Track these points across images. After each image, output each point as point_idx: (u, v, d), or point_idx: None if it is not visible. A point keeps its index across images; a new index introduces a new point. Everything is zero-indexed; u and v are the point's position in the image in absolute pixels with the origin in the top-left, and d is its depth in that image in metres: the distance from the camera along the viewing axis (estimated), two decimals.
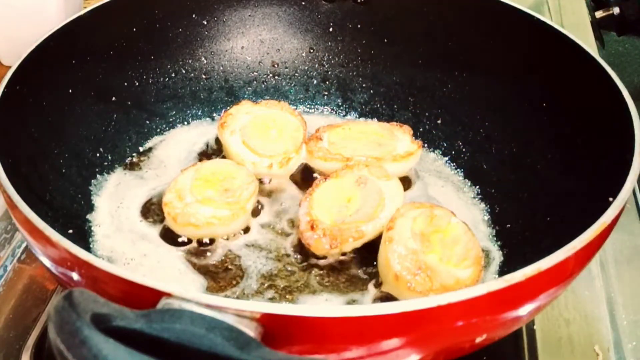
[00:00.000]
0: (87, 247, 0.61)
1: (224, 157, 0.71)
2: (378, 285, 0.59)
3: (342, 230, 0.60)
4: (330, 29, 0.79)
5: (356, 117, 0.78)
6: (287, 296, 0.58)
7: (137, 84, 0.74)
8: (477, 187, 0.69)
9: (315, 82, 0.79)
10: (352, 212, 0.62)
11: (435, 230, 0.58)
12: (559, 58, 0.64)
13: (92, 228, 0.64)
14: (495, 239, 0.64)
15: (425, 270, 0.55)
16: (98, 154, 0.69)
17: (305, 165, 0.70)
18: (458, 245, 0.57)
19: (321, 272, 0.60)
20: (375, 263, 0.60)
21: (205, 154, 0.73)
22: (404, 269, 0.55)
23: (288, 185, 0.69)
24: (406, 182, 0.69)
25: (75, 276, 0.44)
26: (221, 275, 0.60)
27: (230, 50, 0.78)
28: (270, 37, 0.79)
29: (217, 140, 0.74)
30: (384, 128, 0.71)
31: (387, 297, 0.58)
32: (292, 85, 0.79)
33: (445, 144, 0.73)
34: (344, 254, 0.61)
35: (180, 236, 0.63)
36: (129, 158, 0.71)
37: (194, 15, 0.76)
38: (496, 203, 0.67)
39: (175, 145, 0.74)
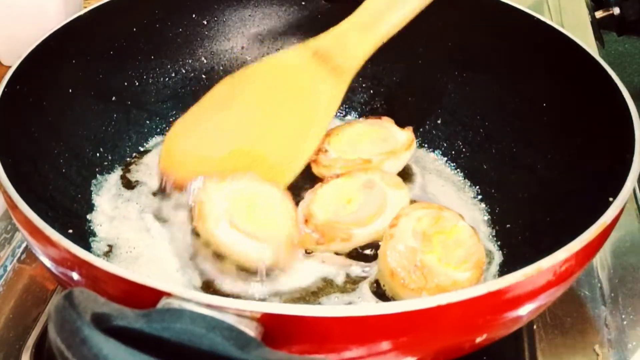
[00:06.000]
0: (87, 247, 0.61)
1: None
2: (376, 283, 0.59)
3: (332, 229, 0.60)
4: None
5: (356, 117, 0.78)
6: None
7: (137, 84, 0.74)
8: (477, 187, 0.69)
9: None
10: (348, 213, 0.61)
11: (438, 232, 0.58)
12: (559, 58, 0.64)
13: (92, 227, 0.64)
14: (495, 239, 0.64)
15: (422, 268, 0.55)
16: (98, 154, 0.69)
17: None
18: (460, 248, 0.57)
19: None
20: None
21: None
22: (399, 265, 0.55)
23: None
24: (406, 181, 0.69)
25: (75, 276, 0.44)
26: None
27: (230, 50, 0.78)
28: (270, 37, 0.79)
29: None
30: (372, 124, 0.70)
31: (387, 297, 0.58)
32: None
33: (445, 144, 0.73)
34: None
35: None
36: (129, 158, 0.72)
37: (194, 15, 0.76)
38: (496, 203, 0.67)
39: None
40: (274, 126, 0.65)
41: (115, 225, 0.64)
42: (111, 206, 0.66)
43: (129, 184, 0.69)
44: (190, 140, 0.65)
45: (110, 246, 0.62)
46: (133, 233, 0.64)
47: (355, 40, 0.64)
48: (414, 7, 0.64)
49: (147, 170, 0.70)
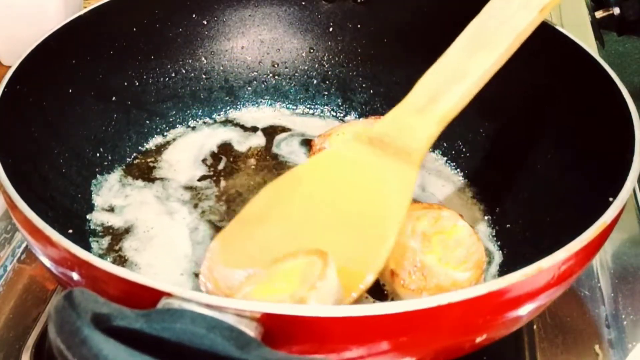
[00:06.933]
0: (87, 247, 0.61)
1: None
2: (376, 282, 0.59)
3: None
4: (330, 29, 0.79)
5: (356, 117, 0.78)
6: None
7: (137, 84, 0.74)
8: (477, 187, 0.69)
9: (315, 82, 0.79)
10: None
11: (438, 231, 0.58)
12: (559, 58, 0.64)
13: (92, 226, 0.64)
14: (495, 239, 0.64)
15: (422, 269, 0.55)
16: (98, 154, 0.69)
17: None
18: (460, 247, 0.57)
19: None
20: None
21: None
22: (399, 267, 0.56)
23: None
24: None
25: (75, 276, 0.44)
26: None
27: (230, 50, 0.79)
28: (270, 37, 0.79)
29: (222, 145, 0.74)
30: (372, 124, 0.70)
31: (387, 297, 0.58)
32: (292, 85, 0.79)
33: (445, 144, 0.73)
34: None
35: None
36: (129, 158, 0.72)
37: (194, 15, 0.76)
38: (496, 203, 0.67)
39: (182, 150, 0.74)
40: (337, 229, 0.55)
41: (129, 211, 0.65)
42: (121, 196, 0.67)
43: (147, 178, 0.70)
44: (236, 253, 0.55)
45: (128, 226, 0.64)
46: (153, 215, 0.65)
47: (413, 123, 0.58)
48: (471, 85, 0.58)
49: (170, 167, 0.71)
